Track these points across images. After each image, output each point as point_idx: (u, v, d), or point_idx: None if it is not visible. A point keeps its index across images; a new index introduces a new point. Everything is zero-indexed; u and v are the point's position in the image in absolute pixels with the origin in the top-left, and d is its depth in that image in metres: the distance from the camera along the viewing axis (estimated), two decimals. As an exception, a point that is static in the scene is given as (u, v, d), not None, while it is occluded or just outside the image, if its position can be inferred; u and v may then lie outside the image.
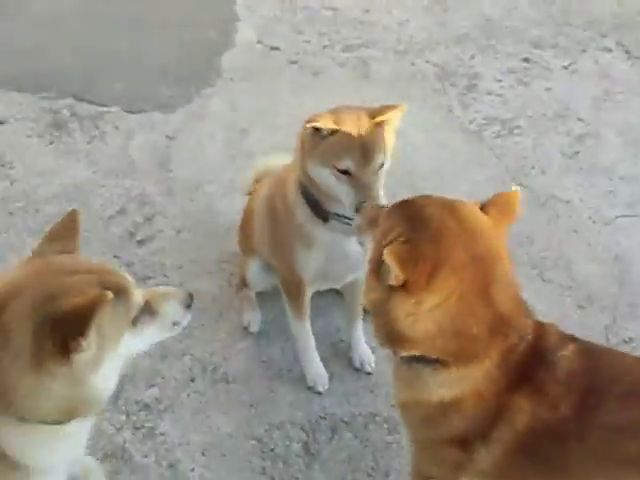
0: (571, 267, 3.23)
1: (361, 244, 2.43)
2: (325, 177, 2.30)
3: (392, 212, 1.84)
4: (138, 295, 1.72)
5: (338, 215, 2.38)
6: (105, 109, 4.02)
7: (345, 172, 2.26)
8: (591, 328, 2.95)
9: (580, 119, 3.96)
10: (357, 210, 2.25)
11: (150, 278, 3.11)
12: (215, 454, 2.59)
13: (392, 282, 1.66)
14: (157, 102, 4.05)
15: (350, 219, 2.35)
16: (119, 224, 3.39)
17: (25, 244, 3.19)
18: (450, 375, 1.76)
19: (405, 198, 1.88)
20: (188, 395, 2.75)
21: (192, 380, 2.79)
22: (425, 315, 1.68)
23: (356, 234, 2.36)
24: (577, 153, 3.77)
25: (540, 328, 1.82)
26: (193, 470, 2.55)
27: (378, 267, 1.73)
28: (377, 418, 2.69)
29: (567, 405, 1.74)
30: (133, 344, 1.73)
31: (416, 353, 1.77)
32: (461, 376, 1.75)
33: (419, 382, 1.82)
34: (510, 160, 3.72)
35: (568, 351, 1.78)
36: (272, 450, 2.60)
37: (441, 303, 1.67)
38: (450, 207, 1.77)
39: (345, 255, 2.48)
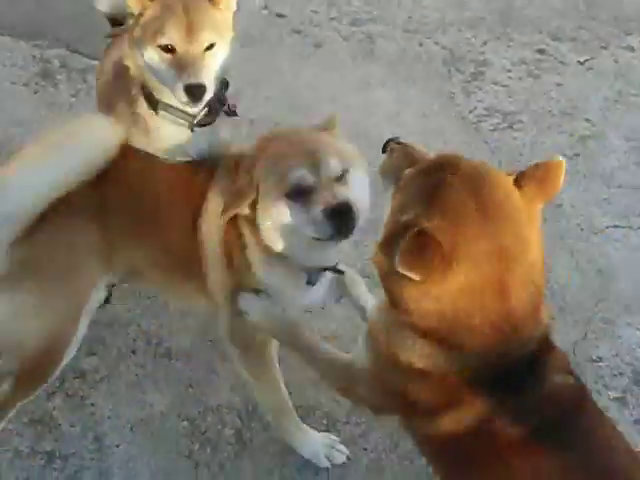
0: (550, 275, 3.05)
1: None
2: (148, 58, 2.16)
3: (414, 180, 1.66)
4: None
5: (168, 106, 2.24)
6: (97, 63, 3.89)
7: (168, 50, 2.13)
8: (558, 342, 2.76)
9: (587, 119, 3.74)
10: (186, 90, 2.12)
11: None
12: (144, 431, 2.52)
13: (406, 273, 1.51)
14: (150, 60, 3.93)
15: (180, 110, 2.23)
16: (89, 183, 3.30)
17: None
18: (428, 350, 1.65)
19: (435, 157, 1.71)
20: (128, 367, 2.67)
21: (134, 352, 2.71)
22: (431, 300, 1.57)
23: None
24: (577, 155, 3.56)
25: (548, 345, 1.72)
26: (118, 446, 2.48)
27: (390, 243, 1.56)
28: (317, 412, 2.58)
29: (517, 433, 1.63)
30: None
31: (408, 320, 1.65)
32: (437, 355, 1.65)
33: (400, 340, 1.71)
34: (504, 155, 3.53)
35: (560, 384, 1.68)
36: (203, 433, 2.52)
37: (452, 294, 1.54)
38: (479, 184, 1.58)
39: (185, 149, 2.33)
